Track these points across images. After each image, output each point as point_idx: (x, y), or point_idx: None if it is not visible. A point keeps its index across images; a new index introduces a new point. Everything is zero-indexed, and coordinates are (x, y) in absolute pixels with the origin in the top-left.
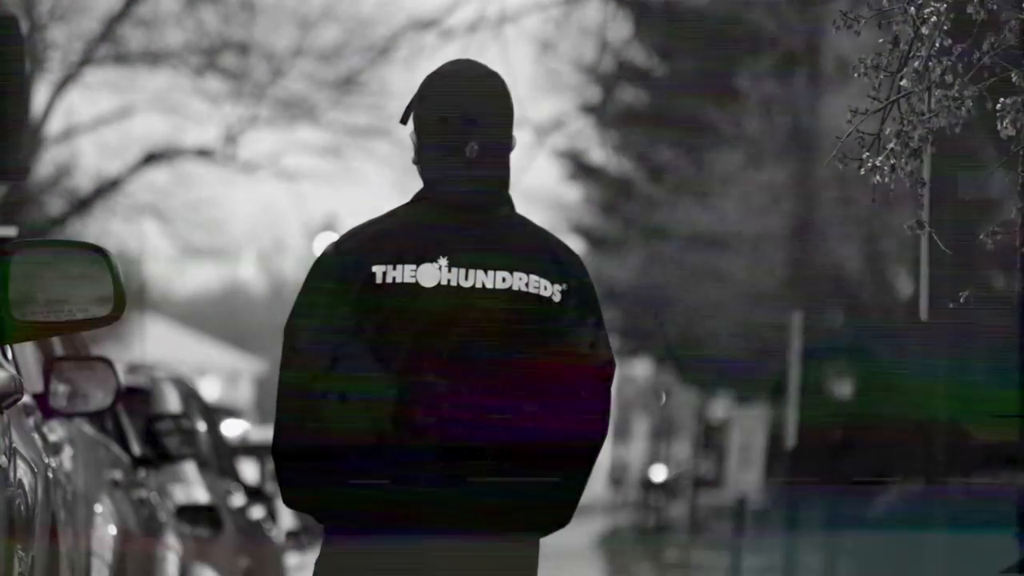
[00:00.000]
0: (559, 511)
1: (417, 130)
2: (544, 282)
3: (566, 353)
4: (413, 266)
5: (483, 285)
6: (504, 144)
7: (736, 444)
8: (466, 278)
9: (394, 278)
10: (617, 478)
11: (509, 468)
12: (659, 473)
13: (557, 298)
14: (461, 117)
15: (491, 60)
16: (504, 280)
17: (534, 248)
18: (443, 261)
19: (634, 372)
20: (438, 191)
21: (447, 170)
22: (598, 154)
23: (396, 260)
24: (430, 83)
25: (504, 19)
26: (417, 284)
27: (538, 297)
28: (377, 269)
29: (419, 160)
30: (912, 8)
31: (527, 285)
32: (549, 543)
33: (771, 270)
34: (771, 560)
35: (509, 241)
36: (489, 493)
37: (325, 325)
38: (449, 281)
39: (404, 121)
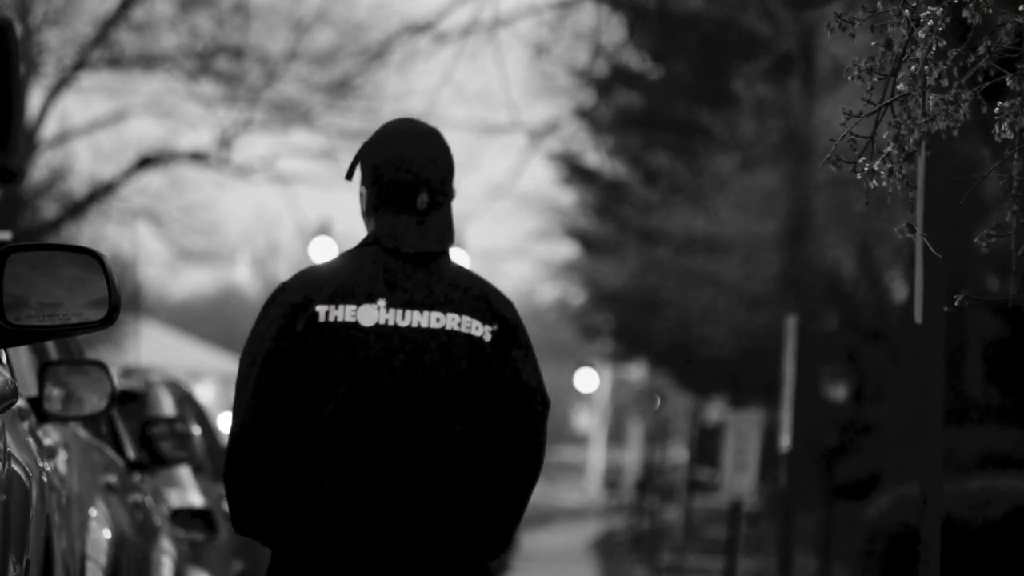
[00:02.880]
0: (497, 538)
1: (368, 186)
2: (476, 322)
3: (497, 390)
4: (354, 306)
5: (419, 324)
6: (448, 197)
7: (731, 448)
8: (403, 318)
9: (336, 317)
10: (612, 482)
11: (444, 500)
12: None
13: (488, 338)
14: (412, 174)
15: (485, 64)
16: (438, 320)
17: (467, 291)
18: (382, 302)
19: (629, 376)
20: (387, 240)
21: (398, 223)
22: (593, 158)
23: (339, 300)
24: (379, 142)
25: (498, 22)
26: (357, 323)
27: (469, 336)
28: (320, 309)
29: (370, 213)
30: (907, 11)
31: (459, 325)
32: (545, 547)
33: (766, 273)
34: (766, 564)
35: (444, 284)
36: (426, 525)
37: (273, 365)
38: (387, 321)
39: (349, 177)
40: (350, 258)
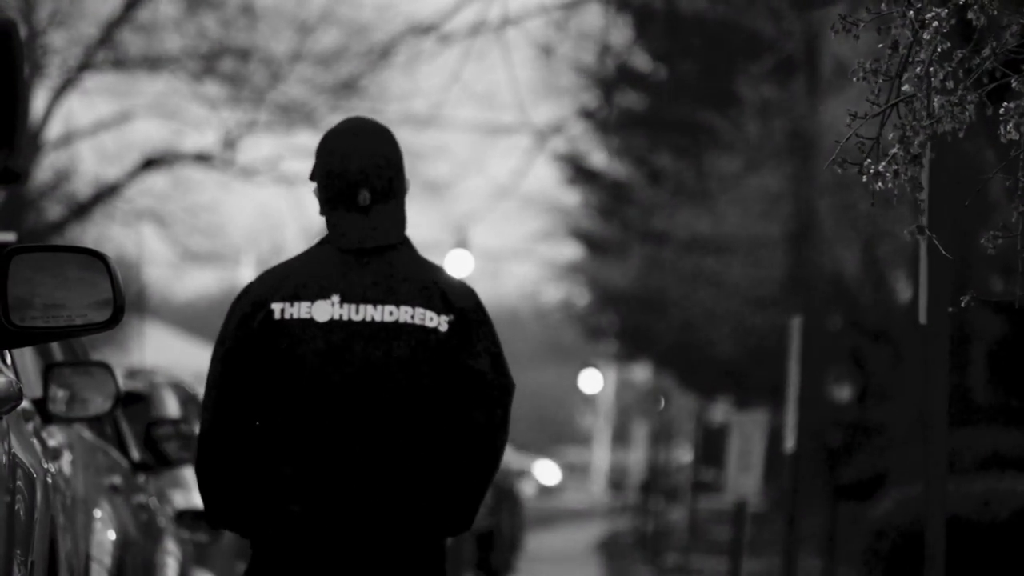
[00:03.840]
0: (460, 520)
1: (317, 185)
2: (430, 314)
3: (454, 379)
4: (309, 303)
5: (372, 319)
6: (394, 190)
7: (735, 448)
8: (356, 312)
9: (291, 314)
10: (616, 482)
11: (402, 488)
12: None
13: (443, 328)
14: (352, 170)
15: (492, 64)
16: (391, 313)
17: (421, 283)
18: (335, 298)
19: (633, 377)
20: (336, 237)
21: (343, 218)
22: (597, 158)
23: (294, 298)
24: (324, 142)
25: (506, 22)
26: (312, 319)
27: (423, 328)
28: (276, 306)
29: (322, 211)
30: (911, 13)
31: (413, 317)
32: (549, 548)
33: (770, 274)
34: (770, 564)
35: (398, 278)
36: (384, 512)
37: (233, 363)
38: (341, 316)
39: (312, 178)
40: (306, 256)
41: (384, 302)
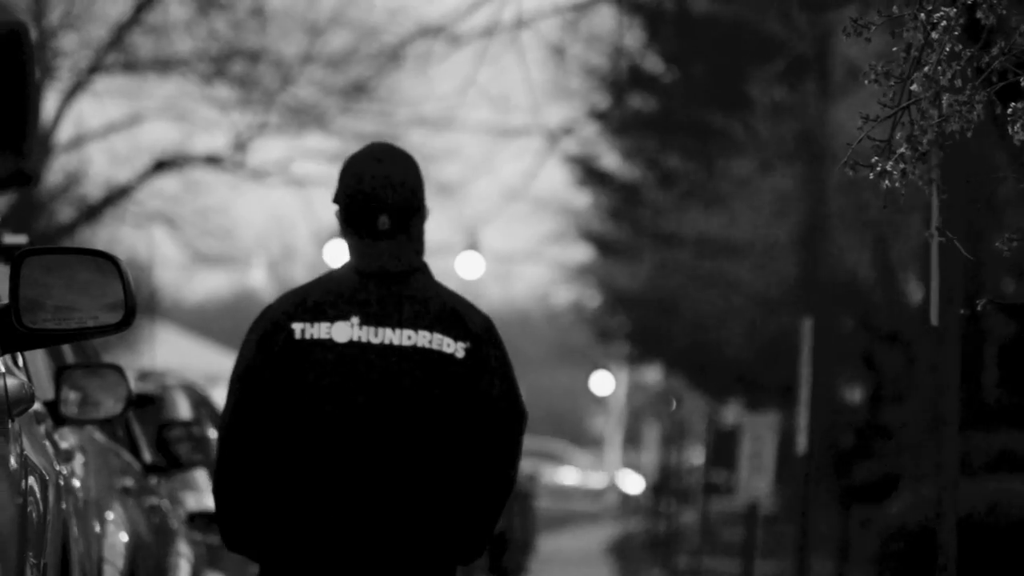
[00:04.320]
0: (471, 545)
1: (339, 208)
2: (447, 339)
3: (469, 405)
4: (328, 324)
5: (391, 342)
6: (413, 217)
7: (747, 450)
8: (375, 335)
9: (311, 334)
10: (628, 485)
11: (416, 510)
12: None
13: (460, 354)
14: (373, 196)
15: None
16: (410, 337)
17: (439, 309)
18: (355, 320)
19: (644, 379)
20: (356, 260)
21: (363, 243)
22: (608, 160)
23: (314, 318)
24: (347, 167)
25: (520, 24)
26: (331, 340)
27: (440, 354)
28: (296, 326)
29: (343, 234)
30: (922, 14)
31: (430, 342)
32: (561, 550)
33: (781, 276)
34: (783, 566)
35: (417, 302)
36: (399, 534)
37: (251, 381)
38: (360, 338)
39: (335, 201)
40: (327, 278)
41: (402, 326)
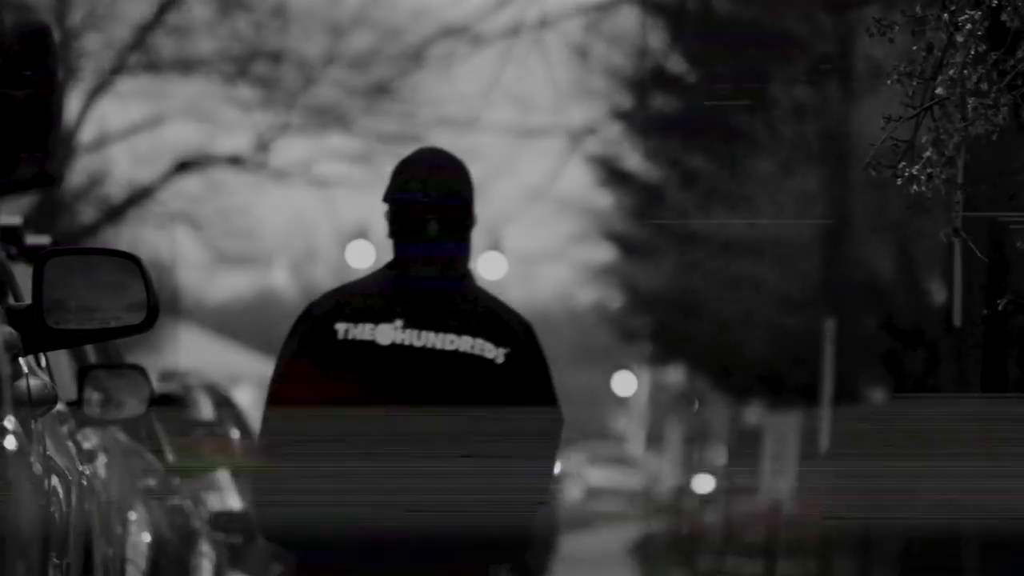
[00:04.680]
0: (512, 549)
1: (388, 209)
2: (488, 345)
3: (509, 411)
4: (372, 325)
5: (433, 346)
6: (462, 223)
7: (770, 450)
8: (418, 338)
9: (355, 335)
10: (650, 485)
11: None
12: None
13: (500, 360)
14: (424, 201)
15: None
16: (452, 342)
17: (481, 314)
18: (399, 322)
19: (667, 379)
20: (403, 263)
21: (411, 246)
22: (630, 160)
23: (357, 319)
24: (399, 170)
25: (543, 24)
26: (374, 342)
27: (481, 359)
28: (340, 326)
29: (391, 235)
30: (946, 15)
31: (472, 347)
32: (583, 550)
33: (803, 276)
34: (805, 567)
35: (460, 307)
36: (440, 540)
37: (293, 380)
38: (403, 341)
39: (385, 200)
40: (372, 279)
41: (445, 330)
